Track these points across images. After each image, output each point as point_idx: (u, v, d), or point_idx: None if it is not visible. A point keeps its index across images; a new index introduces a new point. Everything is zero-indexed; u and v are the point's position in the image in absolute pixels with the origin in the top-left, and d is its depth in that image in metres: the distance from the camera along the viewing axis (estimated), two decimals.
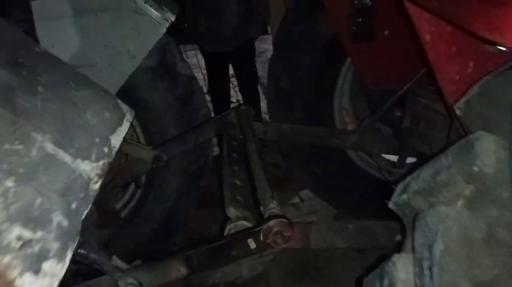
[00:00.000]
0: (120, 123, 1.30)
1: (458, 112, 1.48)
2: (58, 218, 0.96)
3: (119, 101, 1.38)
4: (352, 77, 2.97)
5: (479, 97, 1.43)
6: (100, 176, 1.12)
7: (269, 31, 5.74)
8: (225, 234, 1.62)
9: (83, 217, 1.04)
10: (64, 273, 0.95)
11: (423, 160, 2.46)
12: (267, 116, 3.50)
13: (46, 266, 0.92)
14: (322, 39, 2.81)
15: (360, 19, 2.54)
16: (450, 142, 1.39)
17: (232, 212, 1.70)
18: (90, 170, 1.11)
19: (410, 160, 2.64)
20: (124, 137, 1.45)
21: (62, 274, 0.95)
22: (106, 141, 1.21)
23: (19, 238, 0.89)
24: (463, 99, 1.48)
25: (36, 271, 0.90)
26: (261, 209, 1.63)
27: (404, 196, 1.39)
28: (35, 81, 1.17)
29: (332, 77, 2.93)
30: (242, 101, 4.66)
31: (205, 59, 4.32)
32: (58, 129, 1.11)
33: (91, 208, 1.07)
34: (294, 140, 2.65)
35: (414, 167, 1.46)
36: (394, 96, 2.58)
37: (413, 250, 1.29)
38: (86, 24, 2.38)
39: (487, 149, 1.18)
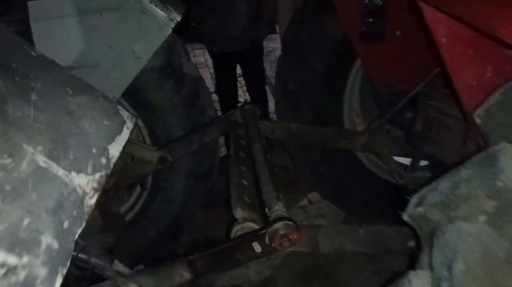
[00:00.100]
0: (119, 132, 1.21)
1: (477, 120, 1.38)
2: (47, 240, 0.87)
3: (119, 107, 1.29)
4: (361, 78, 2.87)
5: (501, 105, 1.32)
6: (96, 190, 1.03)
7: (277, 30, 5.63)
8: (232, 236, 1.56)
9: (76, 236, 0.96)
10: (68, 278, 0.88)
11: (435, 164, 2.40)
12: (275, 117, 3.40)
13: None
14: (331, 39, 2.71)
15: (370, 19, 2.44)
16: (470, 154, 1.30)
17: (238, 213, 1.63)
18: (86, 183, 1.02)
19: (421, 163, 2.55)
20: (129, 139, 1.36)
21: None
22: (104, 151, 1.12)
23: (2, 264, 0.80)
24: (483, 107, 1.37)
25: None
26: (267, 211, 1.56)
27: (420, 209, 1.31)
28: (28, 88, 1.09)
29: (341, 78, 2.82)
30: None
31: (212, 59, 4.23)
32: (51, 140, 1.02)
33: (85, 225, 0.97)
34: (302, 140, 2.55)
35: (430, 179, 1.36)
36: (405, 98, 2.48)
37: (430, 267, 1.19)
38: (90, 24, 2.29)
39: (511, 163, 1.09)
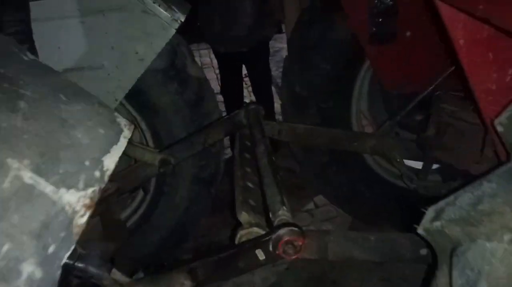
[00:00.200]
0: (115, 141, 1.11)
1: (499, 128, 1.27)
2: (29, 268, 0.78)
3: (116, 114, 1.19)
4: (370, 79, 2.76)
5: None
6: (88, 207, 0.93)
7: (284, 30, 5.53)
8: (236, 241, 1.47)
9: (63, 261, 0.86)
10: None
11: (448, 170, 2.29)
12: (280, 118, 3.30)
13: None
14: (339, 40, 2.60)
15: (380, 19, 2.34)
16: (491, 164, 1.20)
17: (243, 217, 1.54)
18: (76, 200, 0.92)
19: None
20: (130, 140, 1.27)
21: None
22: (98, 164, 1.02)
23: None
24: (505, 114, 1.26)
25: None
26: (270, 216, 1.47)
27: (437, 223, 1.21)
28: (17, 95, 0.99)
29: (350, 80, 2.71)
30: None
31: (218, 60, 4.13)
32: (40, 153, 0.92)
33: (74, 247, 0.88)
34: (309, 142, 2.44)
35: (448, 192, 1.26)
36: (416, 99, 2.38)
37: None
38: (92, 25, 2.21)
39: None
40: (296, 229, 1.36)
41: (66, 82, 1.18)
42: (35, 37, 2.13)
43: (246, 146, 2.13)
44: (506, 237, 1.03)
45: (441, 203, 1.22)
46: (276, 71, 4.91)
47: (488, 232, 1.06)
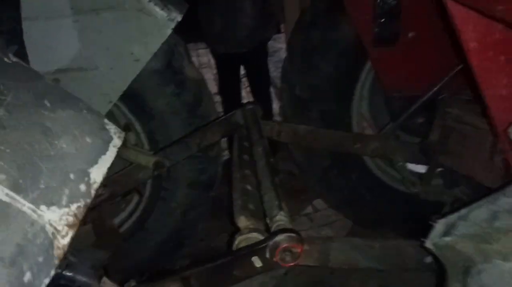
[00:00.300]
0: (104, 151, 1.01)
1: None
2: None
3: (105, 121, 1.09)
4: (372, 81, 2.67)
5: None
6: (71, 226, 0.84)
7: (282, 30, 5.44)
8: (234, 247, 1.39)
9: None
10: None
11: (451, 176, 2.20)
12: (279, 119, 3.21)
13: None
14: (340, 41, 2.51)
15: (383, 20, 2.25)
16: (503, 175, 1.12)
17: (242, 222, 1.47)
18: (58, 219, 0.82)
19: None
20: (123, 142, 1.18)
21: None
22: (84, 176, 0.93)
23: None
24: None
25: None
26: (268, 221, 1.41)
27: (448, 239, 1.12)
28: None
29: (351, 81, 2.63)
30: None
31: (216, 60, 4.06)
32: (18, 166, 0.83)
33: (54, 272, 0.78)
34: (310, 143, 2.35)
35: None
36: (419, 101, 2.30)
37: None
38: (86, 24, 2.12)
39: None
40: (294, 235, 1.29)
41: (51, 87, 1.08)
42: (26, 36, 2.05)
43: (244, 147, 2.05)
44: None
45: (451, 217, 1.14)
46: (274, 71, 4.81)
47: (505, 251, 0.98)
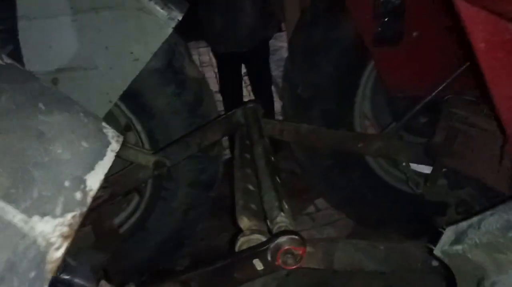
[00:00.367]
0: (101, 156, 0.96)
1: None
2: None
3: (103, 125, 1.04)
4: (374, 81, 2.61)
5: None
6: (66, 237, 0.78)
7: (283, 28, 5.38)
8: (236, 249, 1.35)
9: None
10: None
11: (454, 175, 2.15)
12: (280, 118, 3.15)
13: None
14: (342, 40, 2.45)
15: (386, 19, 2.19)
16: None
17: (244, 223, 1.43)
18: (51, 230, 0.77)
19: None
20: (123, 142, 1.13)
21: None
22: (80, 183, 0.87)
23: None
24: None
25: None
26: (268, 223, 1.36)
27: (459, 247, 1.08)
28: None
29: (353, 81, 2.57)
30: None
31: (217, 59, 4.01)
32: (10, 174, 0.77)
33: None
34: (313, 142, 2.30)
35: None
36: (423, 101, 2.25)
37: None
38: (85, 23, 2.06)
39: None
40: (296, 237, 1.25)
41: (46, 89, 1.02)
42: (25, 36, 2.00)
43: (246, 145, 1.99)
44: None
45: (462, 225, 1.10)
46: (276, 70, 4.75)
47: None
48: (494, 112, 1.40)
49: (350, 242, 1.41)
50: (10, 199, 0.75)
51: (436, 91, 2.20)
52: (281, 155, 3.31)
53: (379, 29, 2.21)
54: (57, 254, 0.76)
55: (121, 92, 2.16)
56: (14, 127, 0.87)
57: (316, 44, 2.47)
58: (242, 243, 1.35)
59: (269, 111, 3.84)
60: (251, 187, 1.66)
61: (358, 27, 2.29)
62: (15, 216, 0.74)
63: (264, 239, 1.33)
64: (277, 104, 4.00)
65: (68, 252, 0.81)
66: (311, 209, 3.27)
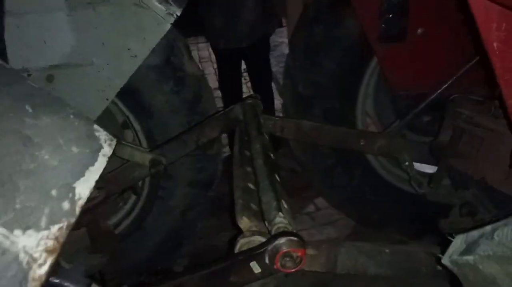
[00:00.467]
0: (92, 162, 0.89)
1: None
2: None
3: (95, 127, 0.97)
4: (377, 78, 2.55)
5: None
6: (50, 251, 0.71)
7: (284, 24, 5.30)
8: (236, 250, 1.28)
9: None
10: None
11: (458, 175, 2.09)
12: (281, 115, 3.08)
13: None
14: (345, 38, 2.39)
15: (391, 16, 2.13)
16: None
17: (244, 223, 1.36)
18: (35, 244, 0.70)
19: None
20: (118, 141, 1.06)
21: None
22: (68, 192, 0.81)
23: None
24: None
25: None
26: (266, 224, 1.29)
27: (469, 258, 1.03)
28: None
29: (355, 79, 2.50)
30: None
31: (216, 57, 3.93)
32: None
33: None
34: (315, 140, 2.22)
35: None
36: (427, 100, 2.18)
37: None
38: (81, 19, 1.99)
39: None
40: (295, 238, 1.18)
41: (34, 90, 0.95)
42: (18, 31, 1.94)
43: (245, 142, 1.91)
44: None
45: (472, 234, 1.04)
46: (276, 66, 4.67)
47: None
48: (505, 113, 1.34)
49: (353, 245, 1.35)
50: None
51: (441, 89, 2.14)
52: (281, 153, 3.25)
53: (383, 25, 2.15)
54: (41, 271, 0.70)
55: (118, 89, 2.10)
56: None
57: (318, 41, 2.40)
58: (242, 244, 1.28)
59: (269, 108, 3.77)
60: (251, 186, 1.58)
61: (362, 23, 2.23)
62: None
63: (264, 240, 1.26)
64: (277, 102, 3.94)
65: (62, 255, 0.75)
66: (311, 208, 3.21)
